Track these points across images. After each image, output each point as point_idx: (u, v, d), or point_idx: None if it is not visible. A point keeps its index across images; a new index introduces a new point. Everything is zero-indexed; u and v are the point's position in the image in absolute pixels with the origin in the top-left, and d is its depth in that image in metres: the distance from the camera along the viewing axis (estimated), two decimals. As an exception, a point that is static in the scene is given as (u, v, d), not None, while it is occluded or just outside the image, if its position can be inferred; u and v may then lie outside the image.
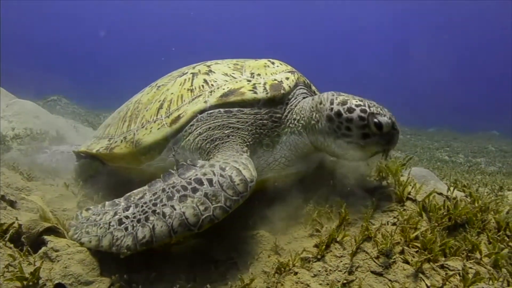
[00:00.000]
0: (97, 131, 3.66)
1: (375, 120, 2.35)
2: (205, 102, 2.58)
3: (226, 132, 2.51)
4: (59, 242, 2.00)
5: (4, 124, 5.25)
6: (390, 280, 1.97)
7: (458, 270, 1.97)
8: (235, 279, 2.03)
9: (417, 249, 2.10)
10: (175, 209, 2.01)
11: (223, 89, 2.62)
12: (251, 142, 2.53)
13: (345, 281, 1.99)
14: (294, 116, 2.64)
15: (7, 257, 1.85)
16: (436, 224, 2.23)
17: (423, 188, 2.57)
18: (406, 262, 2.04)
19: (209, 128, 2.52)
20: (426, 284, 1.92)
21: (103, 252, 1.98)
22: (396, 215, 2.37)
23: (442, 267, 2.01)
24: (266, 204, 2.56)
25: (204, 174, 2.17)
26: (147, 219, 2.01)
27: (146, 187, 2.25)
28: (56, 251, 1.92)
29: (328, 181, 2.74)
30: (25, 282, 1.73)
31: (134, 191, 2.25)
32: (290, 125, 2.64)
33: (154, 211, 2.03)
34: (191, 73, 2.85)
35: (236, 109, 2.55)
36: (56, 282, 1.77)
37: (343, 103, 2.43)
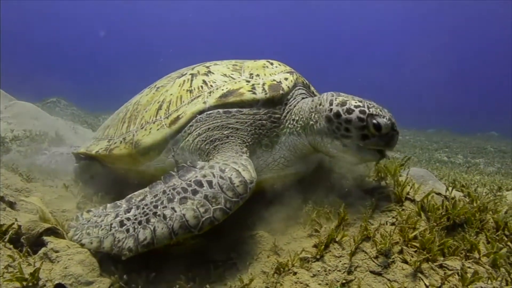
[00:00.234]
0: (97, 133, 3.66)
1: (374, 121, 2.34)
2: (204, 102, 2.59)
3: (225, 132, 2.51)
4: (59, 243, 2.00)
5: (3, 125, 5.25)
6: (389, 280, 1.97)
7: (457, 269, 1.97)
8: (234, 280, 2.03)
9: (416, 249, 2.11)
10: (175, 211, 2.02)
11: (222, 89, 2.63)
12: (250, 143, 2.53)
13: (344, 281, 2.00)
14: (293, 116, 2.65)
15: (7, 258, 1.85)
16: (435, 224, 2.24)
17: (421, 188, 2.58)
18: (405, 261, 2.05)
19: (208, 128, 2.52)
20: (425, 284, 1.93)
21: (103, 252, 1.99)
22: (395, 215, 2.38)
23: (440, 266, 2.02)
24: (265, 204, 2.56)
25: (204, 176, 2.17)
26: (148, 221, 2.02)
27: (147, 189, 2.26)
28: (56, 251, 1.93)
29: (327, 181, 2.75)
30: (24, 283, 1.73)
31: (136, 192, 2.25)
32: (289, 125, 2.64)
33: (155, 213, 2.04)
34: (190, 74, 2.86)
35: (235, 109, 2.56)
36: (56, 282, 1.77)
37: (342, 104, 2.44)
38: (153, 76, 3.53)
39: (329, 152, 2.55)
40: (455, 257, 2.08)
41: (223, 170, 2.18)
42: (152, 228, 1.98)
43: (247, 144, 2.53)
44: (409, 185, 2.58)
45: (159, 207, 2.07)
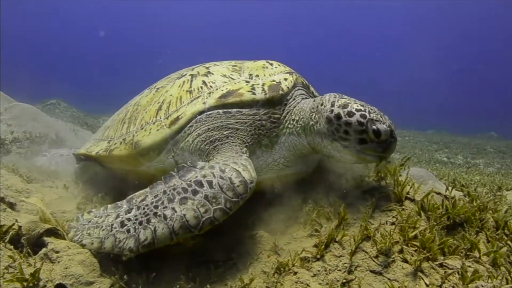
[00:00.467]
0: (97, 134, 3.67)
1: (374, 127, 2.35)
2: (204, 103, 2.59)
3: (225, 133, 2.52)
4: (59, 243, 2.00)
5: (3, 127, 5.24)
6: (389, 279, 1.97)
7: (457, 268, 1.97)
8: (234, 279, 2.04)
9: (416, 248, 2.11)
10: (176, 212, 2.02)
11: (222, 90, 2.63)
12: (250, 143, 2.54)
13: (344, 281, 2.00)
14: (293, 116, 2.65)
15: (7, 259, 1.85)
16: (435, 223, 2.24)
17: (421, 188, 2.59)
18: (405, 261, 2.05)
19: (208, 129, 2.53)
20: (425, 283, 1.93)
21: (104, 253, 1.99)
22: (395, 214, 2.38)
23: (441, 265, 2.02)
24: (265, 204, 2.57)
25: (204, 176, 2.18)
26: (148, 221, 2.02)
27: (147, 189, 2.26)
28: (57, 252, 1.93)
29: (327, 181, 2.75)
30: (25, 283, 1.74)
31: (136, 193, 2.26)
32: (289, 125, 2.64)
33: (155, 214, 2.04)
34: (190, 74, 2.86)
35: (235, 110, 2.56)
36: (57, 282, 1.78)
37: (344, 106, 2.44)
38: (153, 77, 3.54)
39: (329, 153, 2.55)
40: (455, 256, 2.08)
41: (223, 170, 2.19)
42: (152, 228, 1.98)
43: (247, 144, 2.53)
44: (409, 185, 2.58)
45: (159, 208, 2.07)
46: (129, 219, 2.07)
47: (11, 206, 2.41)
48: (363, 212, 2.39)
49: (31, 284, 1.75)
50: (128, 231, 2.01)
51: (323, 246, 2.17)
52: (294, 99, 2.71)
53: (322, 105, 2.53)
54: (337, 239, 2.22)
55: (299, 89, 2.79)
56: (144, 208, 2.10)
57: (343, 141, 2.42)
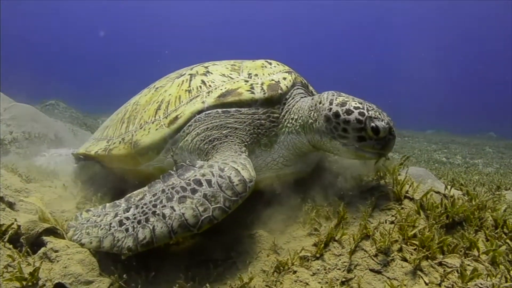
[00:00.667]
0: (96, 133, 3.66)
1: (373, 124, 2.35)
2: (203, 102, 2.59)
3: (224, 132, 2.52)
4: (58, 242, 2.00)
5: (2, 127, 5.23)
6: (388, 278, 1.97)
7: (456, 267, 1.98)
8: (234, 278, 2.04)
9: (415, 246, 2.11)
10: (174, 210, 2.02)
11: (221, 89, 2.63)
12: (249, 142, 2.54)
13: (344, 279, 2.00)
14: (292, 115, 2.65)
15: (6, 258, 1.85)
16: (434, 222, 2.24)
17: (420, 186, 2.59)
18: (405, 259, 2.05)
19: (207, 128, 2.53)
20: (425, 281, 1.93)
21: (103, 252, 1.99)
22: (394, 213, 2.38)
23: (440, 264, 2.02)
24: (264, 203, 2.57)
25: (203, 175, 2.18)
26: (147, 220, 2.02)
27: (146, 188, 2.26)
28: (56, 251, 1.93)
29: (326, 180, 2.75)
30: (24, 282, 1.74)
31: (134, 192, 2.26)
32: (288, 124, 2.65)
33: (154, 212, 2.04)
34: (189, 74, 2.86)
35: (234, 109, 2.56)
36: (56, 282, 1.78)
37: (342, 104, 2.44)
38: (153, 77, 3.53)
39: (329, 150, 2.56)
40: (455, 254, 2.08)
41: (222, 169, 2.19)
42: (151, 227, 1.98)
43: (246, 143, 2.53)
44: (408, 184, 2.58)
45: (158, 206, 2.07)
46: (127, 218, 2.06)
47: (10, 205, 2.41)
48: (362, 211, 2.39)
49: (30, 283, 1.75)
50: (127, 230, 2.01)
51: (323, 245, 2.17)
52: (293, 98, 2.71)
53: (320, 103, 2.53)
54: (336, 238, 2.22)
55: (298, 88, 2.79)
56: (142, 207, 2.09)
57: (342, 139, 2.42)
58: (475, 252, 2.09)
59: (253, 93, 2.59)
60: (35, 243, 2.04)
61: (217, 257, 2.24)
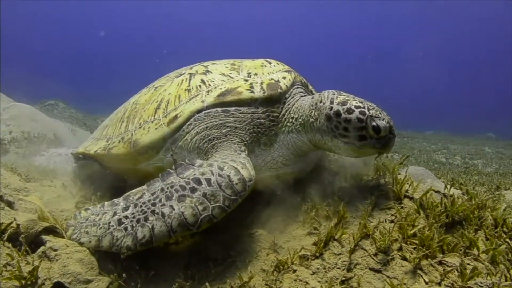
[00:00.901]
0: (95, 133, 3.66)
1: (374, 123, 2.36)
2: (203, 101, 2.59)
3: (223, 131, 2.51)
4: (57, 241, 1.99)
5: (1, 127, 5.24)
6: (388, 277, 1.97)
7: (456, 266, 1.97)
8: (233, 277, 2.03)
9: (415, 246, 2.11)
10: (174, 209, 2.02)
11: (220, 88, 2.63)
12: (248, 141, 2.54)
13: (343, 278, 2.00)
14: (292, 114, 2.65)
15: (5, 257, 1.84)
16: (434, 221, 2.24)
17: (420, 186, 2.59)
18: (404, 258, 2.05)
19: (207, 127, 2.53)
20: (425, 280, 1.93)
21: (102, 251, 1.98)
22: (394, 212, 2.38)
23: (440, 263, 2.02)
24: (264, 203, 2.56)
25: (203, 174, 2.17)
26: (146, 219, 2.01)
27: (144, 186, 2.25)
28: (55, 250, 1.92)
29: (326, 180, 2.75)
30: (23, 281, 1.73)
31: (133, 190, 2.25)
32: (288, 123, 2.64)
33: (153, 211, 2.04)
34: (189, 73, 2.86)
35: (234, 108, 2.56)
36: (55, 281, 1.77)
37: (343, 103, 2.44)
38: (152, 77, 3.53)
39: (329, 149, 2.57)
40: (454, 253, 2.08)
41: (222, 168, 2.18)
42: (150, 227, 1.98)
43: (246, 142, 2.53)
44: (407, 183, 2.58)
45: (157, 205, 2.06)
46: (126, 217, 2.06)
47: (10, 204, 2.40)
48: (362, 210, 2.39)
49: (29, 282, 1.74)
50: (126, 229, 2.00)
51: (322, 244, 2.17)
52: (293, 97, 2.71)
53: (321, 102, 2.53)
54: (336, 237, 2.22)
55: (297, 88, 2.79)
56: (141, 206, 2.09)
57: (342, 138, 2.43)
58: (475, 251, 2.09)
59: (252, 92, 2.58)
60: (34, 242, 2.03)
61: (217, 256, 2.24)
